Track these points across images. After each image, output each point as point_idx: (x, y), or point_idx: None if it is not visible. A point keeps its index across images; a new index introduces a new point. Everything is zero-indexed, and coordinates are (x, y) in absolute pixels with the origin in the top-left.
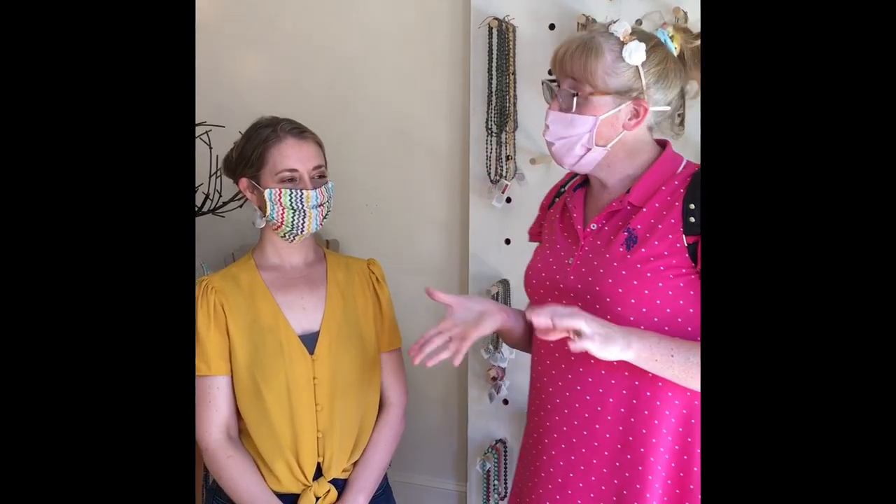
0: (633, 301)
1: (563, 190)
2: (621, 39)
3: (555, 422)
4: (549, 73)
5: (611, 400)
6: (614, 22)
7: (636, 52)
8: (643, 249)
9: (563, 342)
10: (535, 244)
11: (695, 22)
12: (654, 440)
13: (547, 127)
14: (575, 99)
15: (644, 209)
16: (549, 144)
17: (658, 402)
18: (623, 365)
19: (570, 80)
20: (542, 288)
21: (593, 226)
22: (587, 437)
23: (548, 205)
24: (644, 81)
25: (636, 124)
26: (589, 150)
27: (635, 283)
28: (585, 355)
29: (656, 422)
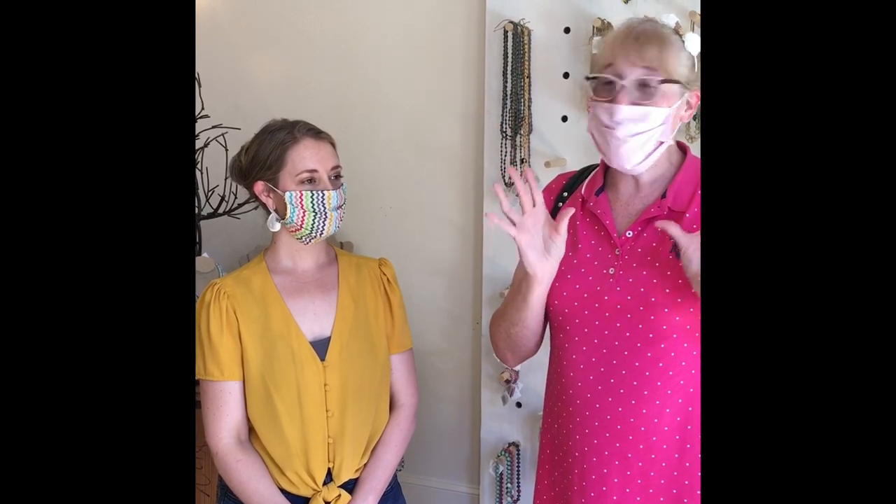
0: (691, 310)
1: (564, 195)
2: (676, 30)
3: (605, 439)
4: (590, 71)
5: (668, 410)
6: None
7: (695, 42)
8: None
9: (607, 357)
10: None
11: None
12: None
13: (614, 126)
14: (648, 89)
15: (687, 214)
16: (616, 145)
17: None
18: (679, 375)
19: (643, 69)
20: (578, 300)
21: (629, 233)
22: (644, 450)
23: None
24: (696, 72)
25: (689, 115)
26: (661, 143)
27: (694, 290)
28: (637, 368)
29: None
